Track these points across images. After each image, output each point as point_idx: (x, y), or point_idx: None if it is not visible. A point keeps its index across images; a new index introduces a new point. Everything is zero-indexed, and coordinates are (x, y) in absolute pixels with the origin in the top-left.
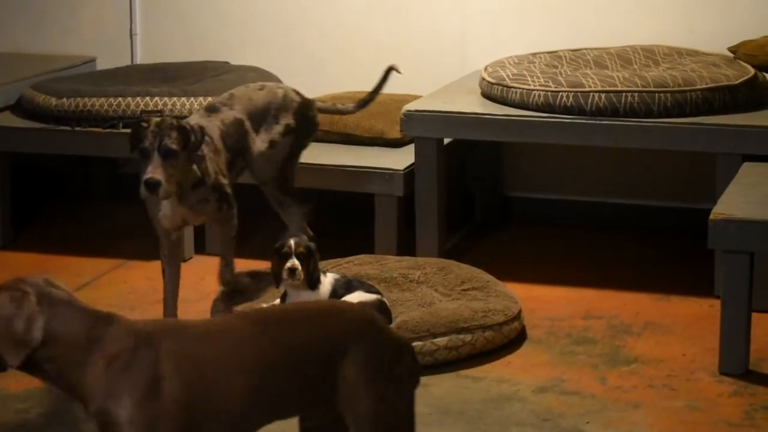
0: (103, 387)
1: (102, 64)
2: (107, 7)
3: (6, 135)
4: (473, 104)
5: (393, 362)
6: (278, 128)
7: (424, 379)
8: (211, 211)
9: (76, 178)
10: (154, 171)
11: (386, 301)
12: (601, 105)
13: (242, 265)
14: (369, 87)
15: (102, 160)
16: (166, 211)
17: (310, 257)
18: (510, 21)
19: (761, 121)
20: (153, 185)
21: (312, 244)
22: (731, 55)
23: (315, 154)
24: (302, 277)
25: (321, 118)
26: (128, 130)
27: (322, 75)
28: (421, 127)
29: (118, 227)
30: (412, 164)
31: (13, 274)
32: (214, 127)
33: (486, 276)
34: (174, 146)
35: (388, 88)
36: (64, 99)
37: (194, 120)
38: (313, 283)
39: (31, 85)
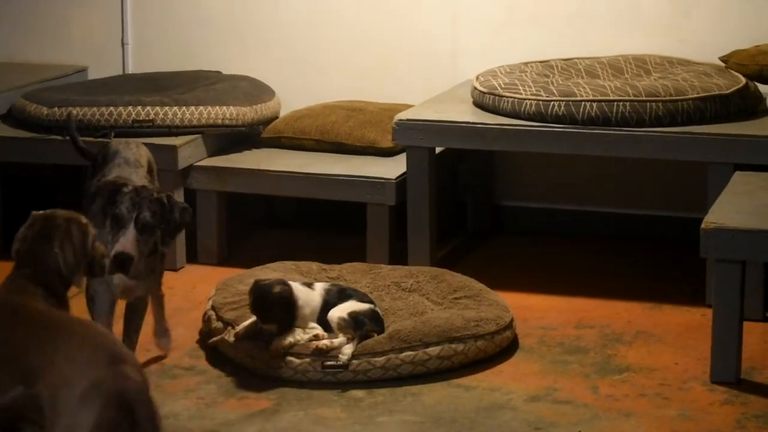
0: None
1: (93, 74)
2: (99, 16)
3: None
4: (465, 113)
5: None
6: None
7: (416, 388)
8: (156, 279)
9: (68, 188)
10: (127, 243)
11: (378, 311)
12: (593, 114)
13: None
14: (360, 96)
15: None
16: (119, 280)
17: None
18: (502, 30)
19: (753, 131)
20: (125, 261)
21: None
22: (723, 64)
23: (307, 163)
24: None
25: (311, 126)
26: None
27: (314, 84)
28: (412, 137)
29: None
30: (404, 173)
31: None
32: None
33: (478, 285)
34: (153, 221)
35: (381, 98)
36: (56, 108)
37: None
38: None
39: (22, 94)
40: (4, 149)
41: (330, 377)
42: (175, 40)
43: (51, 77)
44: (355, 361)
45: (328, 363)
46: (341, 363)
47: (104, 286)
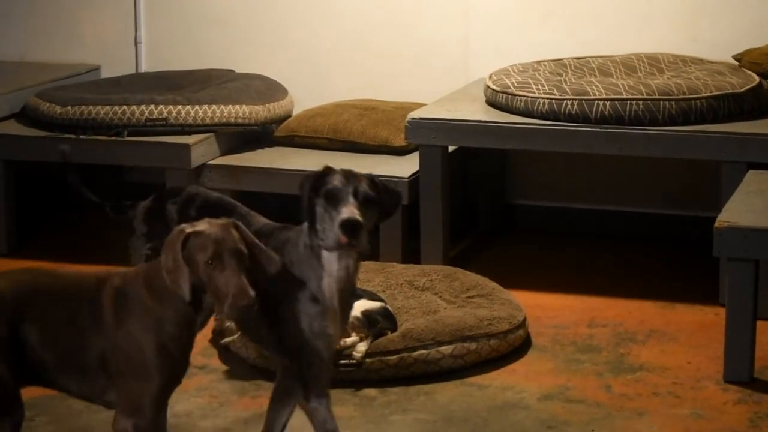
0: None
1: (106, 73)
2: (111, 15)
3: (10, 143)
4: (478, 112)
5: None
6: None
7: (428, 387)
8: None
9: (81, 185)
10: (353, 211)
11: (390, 309)
12: (606, 113)
13: None
14: (373, 95)
15: (107, 168)
16: (327, 321)
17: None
18: (514, 29)
19: (766, 129)
20: (353, 226)
21: None
22: (736, 63)
23: (319, 162)
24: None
25: (324, 125)
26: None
27: (326, 83)
28: (425, 135)
29: (122, 236)
30: (417, 172)
31: None
32: None
33: (491, 284)
34: (372, 193)
35: (393, 96)
36: (69, 107)
37: None
38: None
39: (35, 93)
40: (18, 148)
41: (343, 376)
42: (188, 39)
43: (64, 76)
44: (368, 360)
45: (342, 362)
46: (354, 361)
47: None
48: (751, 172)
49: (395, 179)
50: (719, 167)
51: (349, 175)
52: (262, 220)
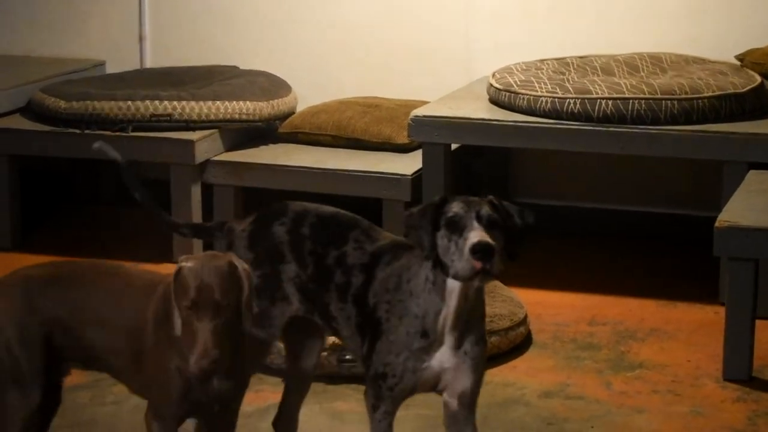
0: None
1: (111, 68)
2: (116, 11)
3: (15, 137)
4: (480, 110)
5: None
6: None
7: None
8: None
9: (85, 181)
10: (481, 234)
11: None
12: (609, 112)
13: None
14: (376, 92)
15: (111, 163)
16: (444, 356)
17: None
18: (517, 27)
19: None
20: (485, 250)
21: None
22: (738, 63)
23: (323, 158)
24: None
25: (328, 122)
26: (139, 134)
27: (330, 80)
28: (428, 133)
29: (125, 230)
30: (420, 169)
31: None
32: None
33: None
34: (496, 215)
35: (396, 94)
36: (73, 102)
37: None
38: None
39: (40, 88)
40: (22, 142)
41: (345, 371)
42: (192, 35)
43: (69, 71)
44: None
45: (345, 357)
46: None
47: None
48: (752, 172)
49: (398, 176)
50: (721, 167)
51: (469, 201)
52: (385, 236)
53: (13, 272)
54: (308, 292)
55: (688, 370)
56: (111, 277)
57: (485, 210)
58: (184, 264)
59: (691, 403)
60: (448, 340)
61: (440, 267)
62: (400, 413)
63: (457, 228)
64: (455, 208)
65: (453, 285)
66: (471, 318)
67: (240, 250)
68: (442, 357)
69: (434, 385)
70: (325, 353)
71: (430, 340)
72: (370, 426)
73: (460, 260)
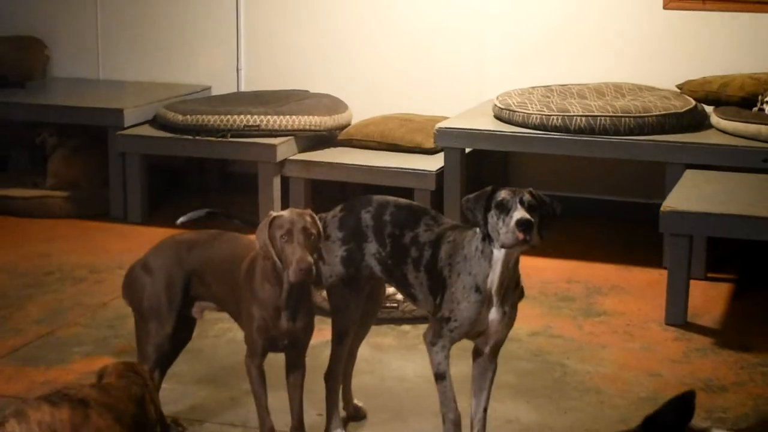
0: None
1: (215, 91)
2: (220, 49)
3: (145, 142)
4: (487, 123)
5: None
6: None
7: None
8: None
9: (195, 174)
10: (524, 213)
11: None
12: (582, 126)
13: None
14: (414, 110)
15: (215, 161)
16: (494, 312)
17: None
18: (515, 63)
19: (699, 139)
20: (527, 224)
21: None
22: (678, 90)
23: (369, 158)
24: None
25: (374, 131)
26: (236, 140)
27: (377, 100)
28: (449, 140)
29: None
30: (442, 167)
31: (148, 244)
32: None
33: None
34: (534, 202)
35: (426, 110)
36: (188, 116)
37: None
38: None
39: (163, 105)
40: (151, 145)
41: (385, 315)
42: (276, 67)
43: (184, 93)
44: (405, 304)
45: (386, 305)
46: (395, 304)
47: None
48: (688, 171)
49: (426, 172)
50: (665, 167)
51: (514, 190)
52: (447, 221)
53: (169, 237)
54: (387, 265)
55: (639, 316)
56: (226, 242)
57: (526, 197)
58: (277, 213)
59: (641, 341)
60: (495, 300)
61: (489, 240)
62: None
63: (505, 209)
64: (503, 194)
65: (498, 255)
66: (510, 285)
67: (333, 230)
68: (493, 313)
69: (480, 334)
70: None
71: (482, 296)
72: (430, 357)
73: (507, 232)
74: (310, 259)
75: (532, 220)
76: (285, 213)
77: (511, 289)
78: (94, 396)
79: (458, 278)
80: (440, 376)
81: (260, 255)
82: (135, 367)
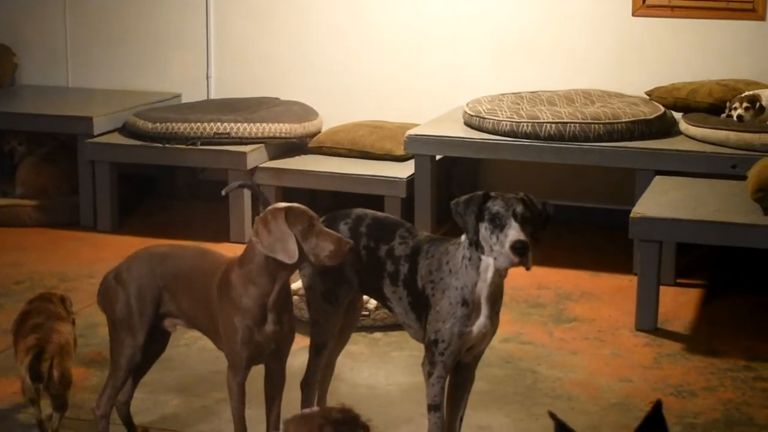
0: None
1: (185, 99)
2: (190, 56)
3: (114, 150)
4: (457, 130)
5: None
6: None
7: None
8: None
9: (165, 182)
10: (519, 234)
11: None
12: (552, 132)
13: None
14: (384, 117)
15: (184, 168)
16: (481, 323)
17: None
18: (485, 70)
19: (668, 146)
20: (523, 248)
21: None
22: (647, 97)
23: (341, 165)
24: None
25: (345, 139)
26: (206, 148)
27: (347, 107)
28: (419, 147)
29: (195, 219)
30: (412, 174)
31: (118, 252)
32: None
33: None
34: (527, 213)
35: (396, 118)
36: (157, 123)
37: None
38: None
39: (133, 113)
40: (120, 153)
41: (358, 323)
42: (246, 75)
43: (155, 101)
44: (377, 311)
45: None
46: (367, 312)
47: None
48: (657, 177)
49: (396, 179)
50: (634, 173)
51: (507, 200)
52: (422, 233)
53: (143, 248)
54: (363, 278)
55: (609, 322)
56: (199, 257)
57: (520, 208)
58: (287, 205)
59: (612, 347)
60: (484, 309)
61: (477, 247)
62: (395, 353)
63: (499, 224)
64: (497, 206)
65: (487, 261)
66: (498, 292)
67: None
68: (480, 324)
69: (470, 348)
70: None
71: (469, 309)
72: (426, 389)
73: (501, 253)
74: (346, 240)
75: (528, 241)
76: (293, 205)
77: (499, 297)
78: None
79: (442, 296)
80: (434, 408)
81: (263, 250)
82: None
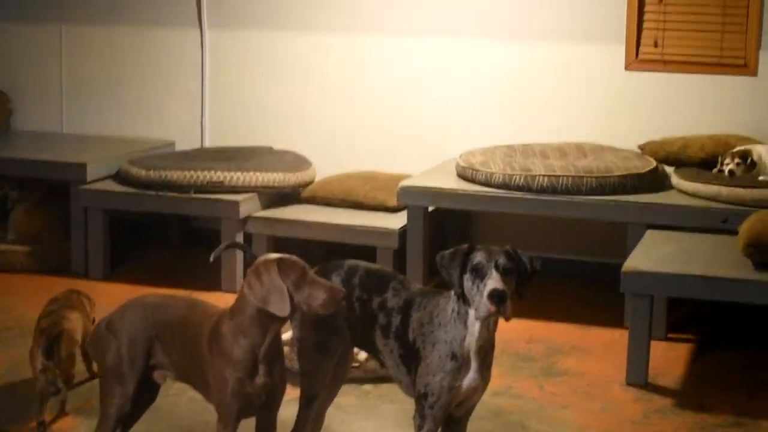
0: None
1: (179, 147)
2: (184, 104)
3: (108, 196)
4: (450, 182)
5: None
6: None
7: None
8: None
9: (158, 229)
10: (498, 283)
11: None
12: (544, 185)
13: None
14: (377, 168)
15: (177, 216)
16: (471, 377)
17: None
18: (478, 123)
19: (660, 200)
20: (500, 297)
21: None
22: (639, 151)
23: (332, 216)
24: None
25: (338, 189)
26: (199, 196)
27: (340, 158)
28: (412, 198)
29: (188, 266)
30: (405, 225)
31: (109, 300)
32: None
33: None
34: (511, 264)
35: (389, 168)
36: (151, 171)
37: None
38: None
39: (127, 160)
40: (114, 200)
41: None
42: (239, 124)
43: (149, 148)
44: (367, 363)
45: None
46: (357, 364)
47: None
48: (649, 231)
49: (389, 230)
50: (626, 227)
51: (490, 251)
52: (416, 286)
53: (137, 297)
54: (355, 330)
55: (599, 377)
56: (189, 308)
57: (502, 260)
58: (278, 256)
59: (602, 402)
60: (474, 364)
61: (464, 301)
62: (385, 406)
63: (480, 274)
64: (479, 257)
65: (474, 316)
66: (488, 346)
67: None
68: (470, 378)
69: (461, 402)
70: None
71: (459, 363)
72: None
73: (480, 303)
74: (341, 289)
75: (506, 290)
76: (285, 255)
77: (490, 351)
78: None
79: (433, 348)
80: None
81: (255, 302)
82: None
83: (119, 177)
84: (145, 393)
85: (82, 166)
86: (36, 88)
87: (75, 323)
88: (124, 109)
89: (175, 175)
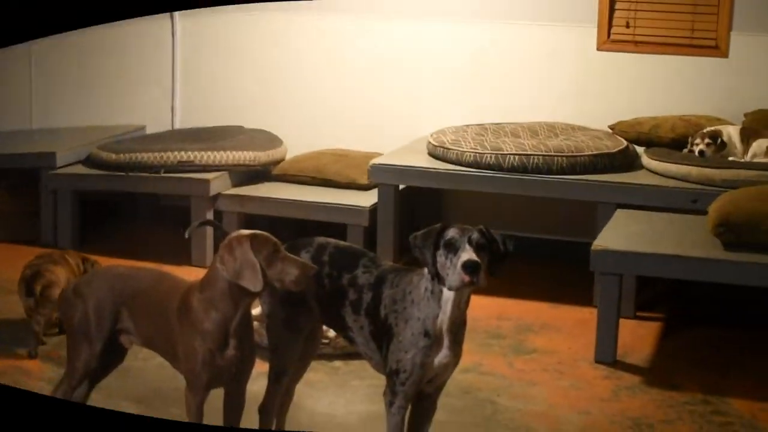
0: None
1: (150, 130)
2: (154, 89)
3: (77, 179)
4: (421, 161)
5: None
6: None
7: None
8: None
9: (128, 208)
10: (471, 254)
11: None
12: (515, 164)
13: None
14: (345, 145)
15: (147, 195)
16: (443, 354)
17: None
18: (449, 102)
19: (630, 180)
20: (473, 267)
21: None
22: (610, 131)
23: (304, 193)
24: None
25: (308, 167)
26: (168, 175)
27: (311, 136)
28: (383, 176)
29: (157, 242)
30: (376, 203)
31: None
32: None
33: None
34: (483, 240)
35: (360, 147)
36: (121, 155)
37: None
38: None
39: (97, 145)
40: (82, 182)
41: (318, 351)
42: (209, 105)
43: (120, 134)
44: (337, 340)
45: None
46: (327, 341)
47: (414, 373)
48: (619, 210)
49: (359, 208)
50: (596, 206)
51: (463, 228)
52: (386, 263)
53: (106, 266)
54: (324, 306)
55: (569, 354)
56: (157, 281)
57: (475, 236)
58: (251, 232)
59: (571, 379)
60: (446, 341)
61: (438, 279)
62: (355, 382)
63: (453, 249)
64: (452, 233)
65: (448, 294)
66: (460, 324)
67: None
68: (442, 355)
69: (432, 379)
70: None
71: (431, 340)
72: (386, 419)
73: (453, 273)
74: (311, 265)
75: (479, 261)
76: (257, 231)
77: (462, 327)
78: None
79: (405, 325)
80: None
81: (228, 277)
82: None
83: (89, 161)
84: (113, 354)
85: (52, 155)
86: (4, 85)
87: (58, 275)
88: (100, 97)
89: (145, 157)
